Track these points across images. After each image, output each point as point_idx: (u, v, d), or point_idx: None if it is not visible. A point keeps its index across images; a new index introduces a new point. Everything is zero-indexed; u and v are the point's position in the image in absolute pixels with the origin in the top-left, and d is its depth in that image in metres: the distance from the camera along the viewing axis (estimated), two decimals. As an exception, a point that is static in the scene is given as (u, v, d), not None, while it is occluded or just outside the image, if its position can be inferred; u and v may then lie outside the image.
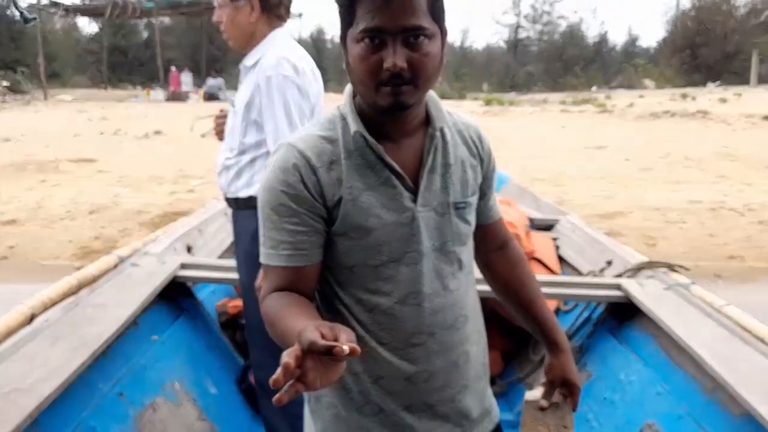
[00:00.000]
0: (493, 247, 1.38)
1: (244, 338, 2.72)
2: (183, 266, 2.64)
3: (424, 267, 1.16)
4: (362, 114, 1.14)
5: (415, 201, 1.15)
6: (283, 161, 1.11)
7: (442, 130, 1.19)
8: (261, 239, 1.15)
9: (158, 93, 24.40)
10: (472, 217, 1.24)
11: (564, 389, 1.35)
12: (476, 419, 1.29)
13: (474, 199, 1.24)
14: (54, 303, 2.11)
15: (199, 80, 26.69)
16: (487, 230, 1.35)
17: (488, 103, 21.73)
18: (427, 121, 1.18)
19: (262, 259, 1.15)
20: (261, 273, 1.18)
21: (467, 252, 1.26)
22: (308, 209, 1.11)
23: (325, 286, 1.20)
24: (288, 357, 0.81)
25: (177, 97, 23.74)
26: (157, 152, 11.38)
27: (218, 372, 2.60)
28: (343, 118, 1.15)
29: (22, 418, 1.50)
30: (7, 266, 5.87)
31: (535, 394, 1.39)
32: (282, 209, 1.11)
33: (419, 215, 1.15)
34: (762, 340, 1.97)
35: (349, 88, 1.18)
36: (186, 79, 25.22)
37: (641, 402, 2.19)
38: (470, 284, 1.28)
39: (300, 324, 0.95)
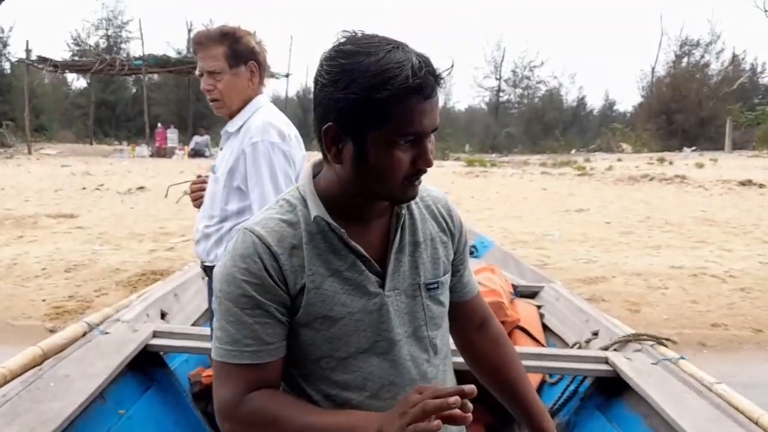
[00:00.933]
0: (472, 326, 1.30)
1: (218, 411, 2.59)
2: (155, 334, 2.54)
3: (397, 356, 1.09)
4: (324, 195, 1.08)
5: (383, 285, 1.08)
6: (242, 248, 1.04)
7: (408, 207, 1.14)
8: (216, 333, 1.06)
9: (143, 149, 24.40)
10: (445, 298, 1.18)
11: None
12: None
13: (446, 278, 1.19)
14: (15, 376, 1.99)
15: (185, 137, 26.79)
16: (464, 308, 1.28)
17: (470, 164, 21.98)
18: None
19: (218, 357, 1.05)
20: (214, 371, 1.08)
21: (442, 335, 1.19)
22: (272, 299, 1.03)
23: (288, 381, 1.11)
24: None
25: (162, 153, 23.76)
26: (138, 208, 11.27)
27: (188, 449, 2.47)
28: (304, 200, 1.09)
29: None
30: (-25, 326, 5.66)
31: None
32: (243, 300, 1.02)
33: (388, 300, 1.08)
34: (756, 422, 1.89)
35: (309, 168, 1.13)
36: (172, 135, 25.29)
37: (631, 485, 2.10)
38: (448, 369, 1.21)
39: (339, 414, 1.03)
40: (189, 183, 2.36)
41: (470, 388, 0.89)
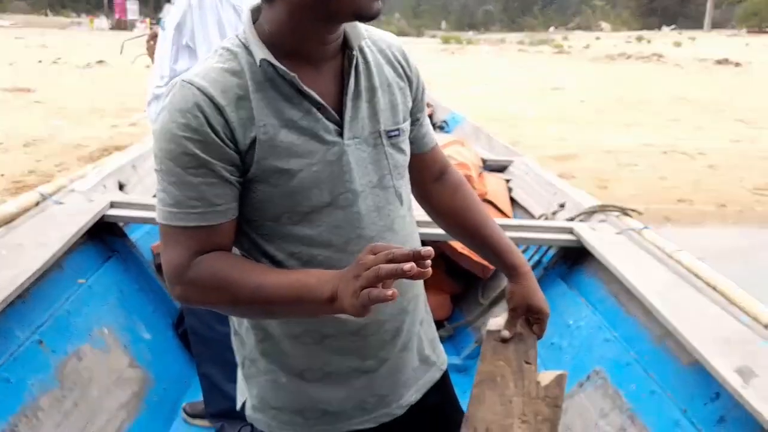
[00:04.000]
0: (430, 177, 1.25)
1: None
2: (113, 205, 2.46)
3: (362, 208, 1.03)
4: (269, 38, 0.97)
5: (341, 134, 1.00)
6: (181, 102, 0.93)
7: (362, 50, 1.05)
8: (159, 195, 0.97)
9: (102, 21, 23.27)
10: (406, 146, 1.12)
11: (530, 315, 1.25)
12: (427, 367, 1.22)
13: (407, 126, 1.11)
14: (-38, 244, 1.91)
15: (146, 9, 25.46)
16: (422, 160, 1.22)
17: (446, 41, 21.38)
18: (344, 41, 1.03)
19: (163, 219, 0.97)
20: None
21: (406, 186, 1.14)
22: (217, 157, 0.93)
23: (248, 245, 1.05)
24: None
25: (122, 26, 22.70)
26: (98, 83, 10.85)
27: (152, 316, 2.46)
28: (245, 47, 0.98)
29: None
30: (-67, 201, 5.52)
31: (498, 322, 1.28)
32: (185, 159, 0.93)
33: (348, 149, 1.01)
34: (714, 288, 1.92)
35: (248, 12, 1.01)
36: (132, 6, 24.02)
37: (589, 348, 2.16)
38: (413, 222, 1.17)
39: (293, 273, 0.95)
40: (145, 37, 2.21)
41: (427, 250, 0.83)
